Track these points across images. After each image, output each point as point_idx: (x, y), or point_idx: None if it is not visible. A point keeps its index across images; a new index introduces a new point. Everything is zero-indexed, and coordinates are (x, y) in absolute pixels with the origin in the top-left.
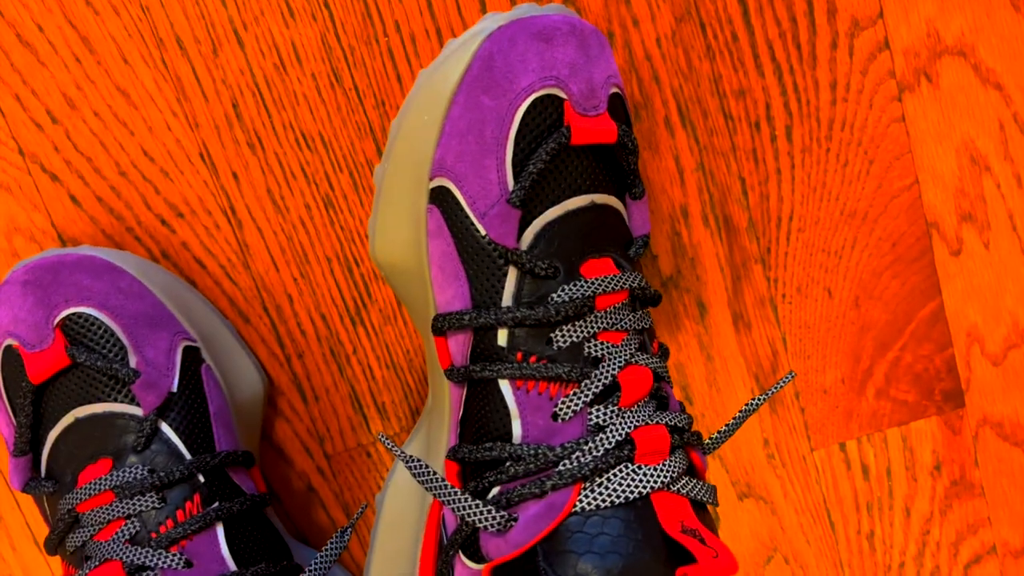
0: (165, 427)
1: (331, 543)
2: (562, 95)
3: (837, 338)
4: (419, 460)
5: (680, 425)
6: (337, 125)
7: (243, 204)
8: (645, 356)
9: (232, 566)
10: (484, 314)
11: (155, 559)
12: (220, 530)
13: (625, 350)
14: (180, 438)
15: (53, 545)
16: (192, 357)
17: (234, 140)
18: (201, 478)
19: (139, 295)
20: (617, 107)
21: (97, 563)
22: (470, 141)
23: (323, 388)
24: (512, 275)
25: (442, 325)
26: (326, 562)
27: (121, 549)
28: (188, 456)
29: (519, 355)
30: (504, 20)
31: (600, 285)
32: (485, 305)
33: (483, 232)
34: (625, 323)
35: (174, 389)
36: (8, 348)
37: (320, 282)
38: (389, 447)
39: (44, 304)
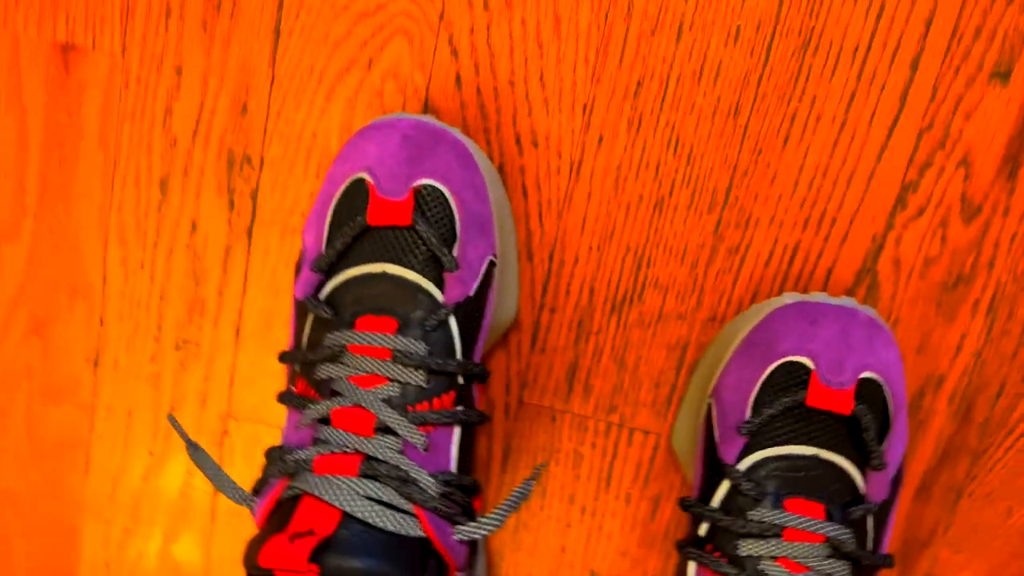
0: (453, 323)
1: (517, 493)
2: (809, 364)
3: (991, 549)
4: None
5: None
6: (709, 149)
7: (591, 165)
8: None
9: (454, 467)
10: (698, 507)
11: (405, 430)
12: (457, 432)
13: None
14: (459, 338)
15: (297, 360)
16: (491, 272)
17: (619, 110)
18: (461, 380)
19: (482, 198)
20: (870, 390)
21: (349, 403)
22: (735, 381)
23: (553, 347)
24: (725, 485)
25: (681, 507)
26: (509, 510)
27: (378, 404)
28: (459, 356)
29: (708, 547)
30: (792, 300)
31: (792, 520)
32: (705, 499)
33: (717, 445)
34: (812, 561)
35: (471, 293)
36: (360, 180)
37: (608, 262)
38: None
39: (414, 163)
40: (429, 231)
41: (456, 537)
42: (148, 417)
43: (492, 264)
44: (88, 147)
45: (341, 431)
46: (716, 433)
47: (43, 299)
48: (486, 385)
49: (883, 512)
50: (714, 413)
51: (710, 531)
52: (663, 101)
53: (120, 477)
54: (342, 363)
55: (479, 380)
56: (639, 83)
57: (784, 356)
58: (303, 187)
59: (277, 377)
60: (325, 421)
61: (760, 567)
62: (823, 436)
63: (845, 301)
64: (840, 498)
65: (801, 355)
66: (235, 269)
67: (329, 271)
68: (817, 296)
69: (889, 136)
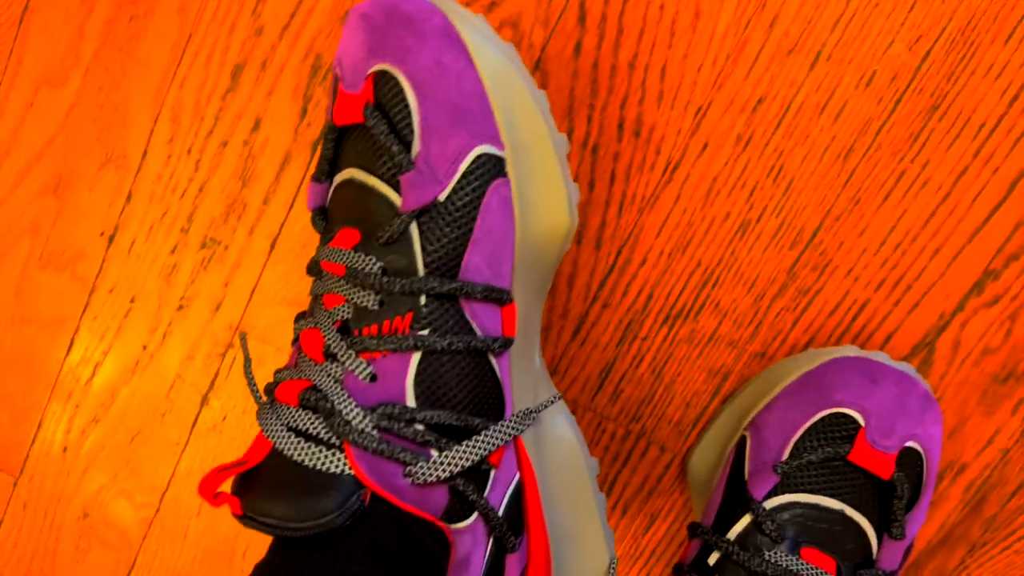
0: (414, 232)
1: (511, 422)
2: (860, 420)
3: None
4: None
5: None
6: (810, 185)
7: (687, 170)
8: None
9: (409, 401)
10: (713, 537)
11: (345, 356)
12: (414, 360)
13: None
14: (422, 251)
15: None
16: (486, 168)
17: (732, 122)
18: (422, 300)
19: (458, 76)
20: (910, 460)
21: (311, 324)
22: (780, 419)
23: (594, 342)
24: (746, 519)
25: (690, 532)
26: (487, 444)
27: (329, 327)
28: (420, 272)
29: None
30: (854, 354)
31: (805, 569)
32: (720, 529)
33: (746, 478)
34: None
35: (441, 198)
36: (334, 75)
37: (675, 272)
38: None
39: (367, 47)
40: (379, 125)
41: (407, 480)
42: (151, 308)
43: (487, 159)
44: (165, 11)
45: (304, 355)
46: (747, 466)
47: (72, 158)
48: (503, 307)
49: None
50: (748, 446)
51: (720, 562)
52: (778, 125)
53: (104, 364)
54: (320, 280)
55: (486, 300)
56: (760, 100)
57: (837, 406)
58: None
59: (301, 302)
60: (298, 342)
61: None
62: (854, 494)
63: (906, 368)
64: (853, 558)
65: (854, 409)
66: (289, 180)
67: (330, 177)
68: (879, 355)
69: (987, 220)
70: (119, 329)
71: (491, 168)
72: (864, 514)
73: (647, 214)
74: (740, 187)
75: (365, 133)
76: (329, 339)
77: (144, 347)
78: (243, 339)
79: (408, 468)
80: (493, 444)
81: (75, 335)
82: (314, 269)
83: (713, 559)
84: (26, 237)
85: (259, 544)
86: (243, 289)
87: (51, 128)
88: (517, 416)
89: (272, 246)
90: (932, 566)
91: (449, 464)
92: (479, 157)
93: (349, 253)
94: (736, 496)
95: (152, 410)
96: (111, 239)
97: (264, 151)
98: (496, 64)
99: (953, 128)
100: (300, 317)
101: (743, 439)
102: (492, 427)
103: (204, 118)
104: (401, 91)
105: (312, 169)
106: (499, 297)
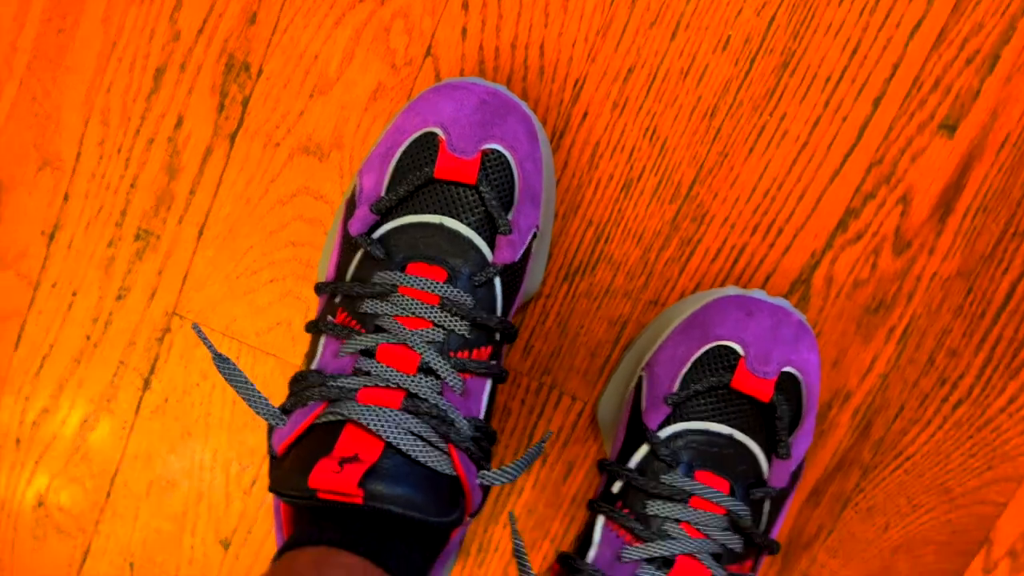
0: (498, 283)
1: (531, 451)
2: (740, 351)
3: (864, 560)
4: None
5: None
6: (682, 143)
7: (571, 138)
8: (706, 556)
9: (483, 416)
10: (614, 467)
11: (447, 373)
12: (488, 384)
13: (696, 544)
14: (502, 297)
15: (341, 291)
16: (532, 242)
17: (606, 91)
18: (498, 336)
19: (538, 172)
20: (789, 385)
21: (395, 341)
22: (669, 357)
23: None
24: (644, 449)
25: (599, 468)
26: (525, 465)
27: (423, 345)
28: (500, 315)
29: (619, 504)
30: (734, 293)
31: (699, 489)
32: (623, 461)
33: (642, 412)
34: (710, 529)
35: (517, 259)
36: (431, 134)
37: (570, 232)
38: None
39: (486, 127)
40: (491, 193)
41: (479, 481)
42: (92, 300)
43: (535, 235)
44: (89, 23)
45: (386, 366)
46: (644, 402)
47: (10, 164)
48: (510, 347)
49: (780, 500)
50: (644, 384)
51: (623, 489)
52: (648, 91)
53: (51, 356)
54: (390, 302)
55: (508, 341)
56: (630, 70)
57: (718, 340)
58: (294, 104)
59: (231, 283)
60: (369, 354)
61: (664, 527)
62: (740, 418)
63: (780, 301)
64: (745, 479)
65: (733, 341)
66: (211, 171)
67: (386, 214)
68: (756, 292)
69: (843, 163)
70: (63, 322)
71: (533, 243)
72: (752, 437)
73: None
74: (620, 150)
75: (468, 192)
76: (428, 356)
77: (87, 337)
78: (225, 364)
79: (482, 472)
80: (532, 462)
81: (22, 330)
82: (376, 291)
83: (616, 487)
84: None
85: (206, 522)
86: (176, 276)
87: None
88: (542, 442)
89: (200, 233)
90: (831, 492)
91: (511, 474)
92: (534, 233)
93: (444, 286)
94: (635, 430)
95: (98, 397)
96: (51, 237)
97: (188, 145)
98: (548, 163)
99: (804, 82)
100: (352, 332)
101: (640, 379)
102: (532, 450)
103: (131, 119)
104: (510, 169)
105: (225, 164)
106: (514, 337)
